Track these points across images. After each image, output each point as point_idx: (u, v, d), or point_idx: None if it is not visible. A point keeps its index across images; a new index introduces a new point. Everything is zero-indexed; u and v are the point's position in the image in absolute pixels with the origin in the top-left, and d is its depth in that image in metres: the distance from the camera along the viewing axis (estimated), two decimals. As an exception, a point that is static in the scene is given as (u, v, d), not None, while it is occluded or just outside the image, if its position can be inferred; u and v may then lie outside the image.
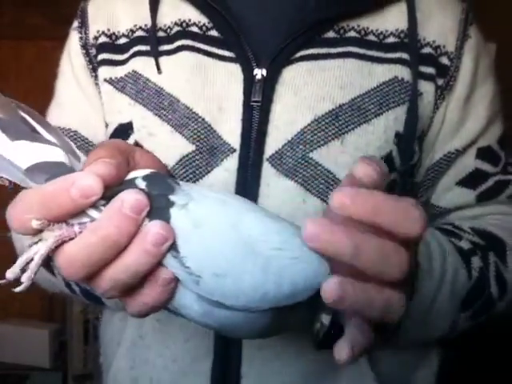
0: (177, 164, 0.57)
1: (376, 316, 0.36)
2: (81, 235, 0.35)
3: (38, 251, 0.36)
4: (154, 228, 0.35)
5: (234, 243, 0.36)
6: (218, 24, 0.59)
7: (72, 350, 1.94)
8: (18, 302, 2.06)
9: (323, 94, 0.57)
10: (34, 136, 0.38)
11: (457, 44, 0.61)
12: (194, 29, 0.61)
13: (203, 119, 0.57)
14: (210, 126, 0.57)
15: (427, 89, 0.60)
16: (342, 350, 0.37)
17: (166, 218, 0.36)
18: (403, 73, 0.59)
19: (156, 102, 0.60)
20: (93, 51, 0.64)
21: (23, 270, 0.36)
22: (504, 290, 0.59)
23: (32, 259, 0.36)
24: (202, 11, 0.60)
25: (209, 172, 0.57)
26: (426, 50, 0.61)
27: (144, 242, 0.35)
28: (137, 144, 0.60)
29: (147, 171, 0.39)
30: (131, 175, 0.38)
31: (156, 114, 0.59)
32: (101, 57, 0.64)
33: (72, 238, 0.35)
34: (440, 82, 0.61)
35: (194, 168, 0.57)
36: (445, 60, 0.61)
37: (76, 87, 0.66)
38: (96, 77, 0.64)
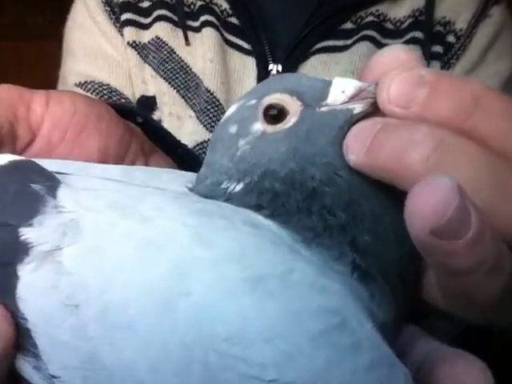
0: None
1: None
2: None
3: None
4: None
5: (163, 347, 0.18)
6: (239, 11, 0.57)
7: (71, 351, 1.93)
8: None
9: None
10: None
11: (470, 21, 0.58)
12: (216, 9, 0.58)
13: (223, 107, 0.54)
14: None
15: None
16: None
17: (10, 292, 0.19)
18: None
19: (181, 81, 0.56)
20: (117, 10, 0.59)
21: None
22: None
23: None
24: None
25: None
26: (436, 27, 0.58)
27: None
28: (160, 123, 0.54)
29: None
30: None
31: (181, 96, 0.56)
32: (124, 16, 0.58)
33: None
34: (444, 60, 0.59)
35: None
36: (451, 38, 0.59)
37: (106, 43, 0.60)
38: (123, 37, 0.59)
